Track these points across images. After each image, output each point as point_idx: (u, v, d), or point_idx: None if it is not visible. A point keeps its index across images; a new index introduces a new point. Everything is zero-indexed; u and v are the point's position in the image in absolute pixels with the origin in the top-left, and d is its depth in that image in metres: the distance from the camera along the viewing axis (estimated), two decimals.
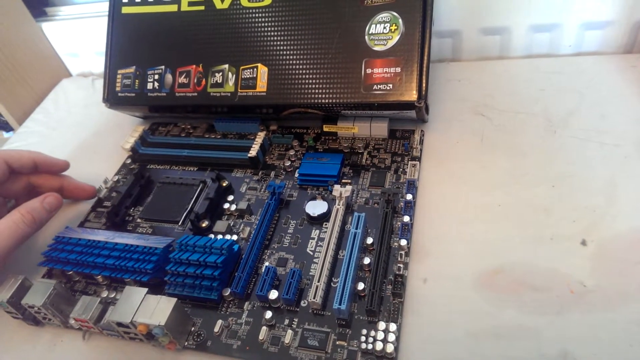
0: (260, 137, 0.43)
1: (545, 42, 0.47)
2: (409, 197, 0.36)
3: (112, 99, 0.47)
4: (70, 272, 0.36)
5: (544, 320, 0.29)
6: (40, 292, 0.32)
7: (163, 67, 0.45)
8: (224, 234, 0.37)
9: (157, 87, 0.45)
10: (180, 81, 0.44)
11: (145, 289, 0.31)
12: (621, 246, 0.32)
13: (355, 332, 0.30)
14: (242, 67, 0.42)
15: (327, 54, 0.40)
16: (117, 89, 0.47)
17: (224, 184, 0.41)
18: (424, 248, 0.34)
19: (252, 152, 0.42)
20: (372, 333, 0.29)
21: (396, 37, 0.38)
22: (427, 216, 0.36)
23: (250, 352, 0.30)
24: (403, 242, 0.33)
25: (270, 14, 0.41)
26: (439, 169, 0.39)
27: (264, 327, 0.31)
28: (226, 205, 0.39)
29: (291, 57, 0.41)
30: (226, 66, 0.43)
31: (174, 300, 0.30)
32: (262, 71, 0.42)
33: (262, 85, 0.42)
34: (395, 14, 0.38)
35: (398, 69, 0.38)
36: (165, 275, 0.33)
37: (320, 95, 0.40)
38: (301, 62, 0.40)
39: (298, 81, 0.40)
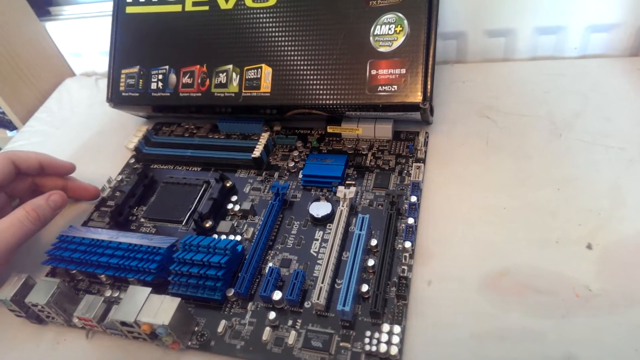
0: (264, 137, 0.43)
1: (551, 44, 0.47)
2: (414, 199, 0.36)
3: (116, 98, 0.47)
4: (74, 271, 0.36)
5: (549, 324, 0.29)
6: (44, 291, 0.32)
7: (167, 67, 0.45)
8: (227, 234, 0.37)
9: (161, 87, 0.45)
10: (184, 81, 0.44)
11: (149, 289, 0.31)
12: (627, 250, 0.32)
13: (359, 333, 0.30)
14: (246, 68, 0.42)
15: (332, 55, 0.40)
16: (121, 88, 0.47)
17: (228, 185, 0.41)
18: (428, 250, 0.34)
19: (256, 153, 0.42)
20: (376, 335, 0.29)
21: (401, 39, 0.38)
22: (431, 218, 0.36)
23: (254, 353, 0.30)
24: (407, 244, 0.33)
25: (274, 15, 0.41)
26: (444, 171, 0.39)
27: (268, 328, 0.31)
28: (230, 206, 0.39)
29: (296, 57, 0.41)
30: (230, 66, 0.43)
31: (178, 300, 0.30)
32: (267, 72, 0.42)
33: (266, 85, 0.41)
34: (400, 15, 0.38)
35: (403, 71, 0.38)
36: (169, 275, 0.33)
37: (324, 97, 0.40)
38: (306, 62, 0.40)
39: (302, 82, 0.40)
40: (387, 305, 0.31)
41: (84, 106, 0.57)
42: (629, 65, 0.44)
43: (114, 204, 0.41)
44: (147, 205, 0.41)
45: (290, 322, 0.31)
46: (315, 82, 0.40)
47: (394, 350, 0.28)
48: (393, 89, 0.38)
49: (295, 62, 0.41)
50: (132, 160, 0.47)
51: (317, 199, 0.38)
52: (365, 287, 0.31)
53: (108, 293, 0.35)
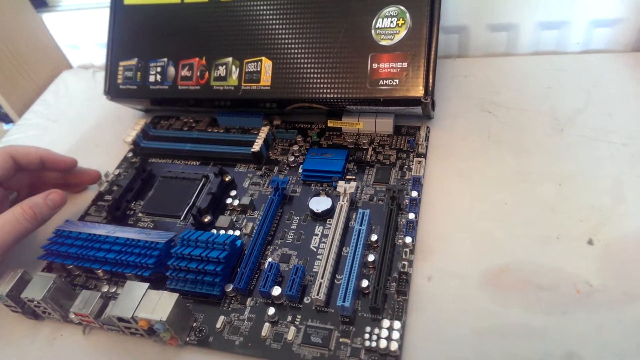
0: (264, 131, 0.42)
1: (553, 39, 0.46)
2: (414, 194, 0.35)
3: (114, 91, 0.46)
4: (71, 266, 0.36)
5: (550, 320, 0.29)
6: (40, 286, 0.32)
7: (165, 59, 0.44)
8: (226, 229, 0.37)
9: (159, 80, 0.44)
10: (183, 74, 0.44)
11: (147, 284, 0.30)
12: (628, 246, 0.31)
13: (359, 329, 0.30)
14: (246, 61, 0.42)
15: (333, 48, 0.39)
16: (119, 81, 0.46)
17: (227, 179, 0.40)
18: (429, 246, 0.34)
19: (256, 147, 0.41)
20: (376, 331, 0.29)
21: (403, 32, 0.37)
22: (432, 213, 0.35)
23: (253, 349, 0.30)
24: (408, 240, 0.33)
25: (275, 7, 0.41)
26: (445, 166, 0.38)
27: (267, 324, 0.31)
28: (229, 200, 0.39)
29: (296, 50, 0.40)
30: (230, 59, 0.42)
31: (176, 295, 0.30)
32: (267, 65, 0.41)
33: (266, 79, 0.41)
34: (402, 8, 0.37)
35: (405, 64, 0.37)
36: (167, 270, 0.33)
37: (325, 90, 0.39)
38: (306, 56, 0.40)
39: (303, 75, 0.40)
40: (387, 301, 0.31)
41: (81, 99, 0.57)
42: (632, 61, 0.43)
43: (112, 198, 0.40)
44: (145, 200, 0.41)
45: (289, 318, 0.31)
46: (315, 75, 0.40)
47: (394, 346, 0.28)
48: (394, 83, 0.37)
49: (295, 55, 0.40)
50: (130, 154, 0.46)
51: (317, 194, 0.38)
52: (365, 283, 0.31)
53: (105, 288, 0.35)
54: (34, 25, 0.58)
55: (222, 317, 0.32)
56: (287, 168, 0.41)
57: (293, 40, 0.40)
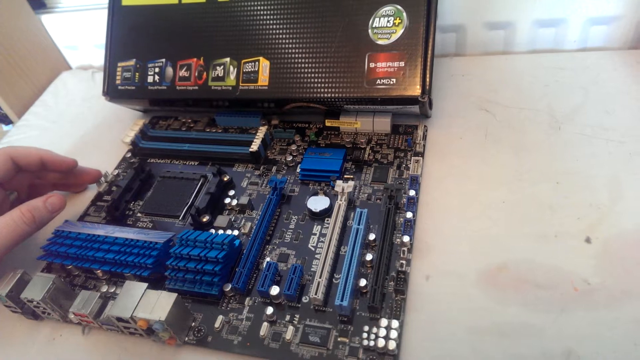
0: (262, 131, 0.42)
1: (550, 37, 0.46)
2: (412, 193, 0.35)
3: (112, 92, 0.47)
4: (70, 267, 0.36)
5: (548, 318, 0.29)
6: (39, 286, 0.32)
7: (164, 60, 0.44)
8: (225, 229, 0.37)
9: (157, 81, 0.45)
10: (181, 74, 0.44)
11: (146, 284, 0.31)
12: (626, 244, 0.31)
13: (357, 328, 0.30)
14: (243, 61, 0.42)
15: (330, 47, 0.39)
16: (117, 82, 0.46)
17: (225, 179, 0.40)
18: (426, 245, 0.34)
19: (254, 147, 0.41)
20: (374, 330, 0.29)
21: (400, 31, 0.37)
22: (430, 212, 0.35)
23: (251, 348, 0.30)
24: (406, 239, 0.33)
25: (272, 7, 0.41)
26: (443, 165, 0.38)
27: (265, 323, 0.31)
28: (227, 200, 0.39)
29: (293, 50, 0.40)
30: (227, 59, 0.42)
31: (175, 295, 0.30)
32: (264, 65, 0.41)
33: (263, 79, 0.41)
34: (399, 7, 0.37)
35: (402, 64, 0.37)
36: (166, 270, 0.33)
37: (322, 90, 0.39)
38: (303, 55, 0.40)
39: (300, 75, 0.40)
40: (385, 300, 0.31)
41: (80, 100, 0.57)
42: (629, 58, 0.43)
43: (111, 199, 0.41)
44: (144, 200, 0.41)
45: (287, 317, 0.31)
46: (313, 75, 0.40)
47: (392, 345, 0.28)
48: (392, 82, 0.38)
49: (293, 55, 0.40)
50: (129, 155, 0.46)
51: (315, 193, 0.38)
52: (363, 282, 0.31)
53: (104, 288, 0.35)
54: (33, 27, 0.58)
55: (220, 317, 0.32)
56: (285, 168, 0.41)
57: (290, 40, 0.40)
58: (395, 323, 0.29)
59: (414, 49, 0.37)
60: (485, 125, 0.41)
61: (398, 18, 0.38)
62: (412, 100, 0.37)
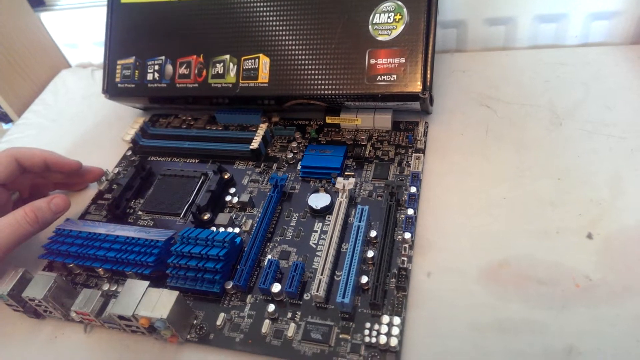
0: (262, 128, 0.42)
1: (551, 32, 0.46)
2: (413, 189, 0.35)
3: (112, 90, 0.46)
4: (71, 265, 0.36)
5: (549, 314, 0.29)
6: (41, 285, 0.32)
7: (163, 57, 0.44)
8: (226, 226, 0.37)
9: (157, 78, 0.44)
10: (180, 72, 0.44)
11: (147, 282, 0.31)
12: (627, 240, 0.31)
13: (358, 325, 0.30)
14: (243, 58, 0.42)
15: (330, 44, 0.39)
16: (117, 79, 0.46)
17: (226, 177, 0.40)
18: (428, 241, 0.34)
19: (254, 144, 0.41)
20: (376, 326, 0.29)
21: (400, 27, 0.37)
22: (431, 209, 0.35)
23: (253, 346, 0.30)
24: (407, 235, 0.33)
25: (272, 3, 0.41)
26: (444, 162, 0.38)
27: (267, 321, 0.31)
28: (228, 198, 0.39)
29: (293, 47, 0.40)
30: (227, 57, 0.42)
31: (176, 293, 0.30)
32: (264, 62, 0.41)
33: (264, 76, 0.41)
34: (399, 3, 0.37)
35: (402, 60, 0.37)
36: (167, 268, 0.33)
37: (323, 87, 0.39)
38: (304, 52, 0.40)
39: (300, 72, 0.40)
40: (387, 297, 0.31)
41: (80, 98, 0.57)
42: (630, 53, 0.43)
43: (111, 197, 0.40)
44: (145, 198, 0.41)
45: (289, 315, 0.31)
46: (313, 72, 0.39)
47: (393, 342, 0.28)
48: (392, 79, 0.37)
49: (293, 52, 0.40)
50: (129, 153, 0.46)
51: (316, 191, 0.38)
52: (364, 279, 0.31)
53: (106, 287, 0.35)
54: (32, 25, 0.58)
55: (222, 315, 0.32)
56: (286, 165, 0.41)
57: (290, 37, 0.40)
58: (397, 320, 0.29)
59: (414, 45, 0.37)
60: (486, 121, 0.41)
61: (398, 14, 0.37)
62: (413, 97, 0.37)
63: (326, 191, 0.38)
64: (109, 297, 0.33)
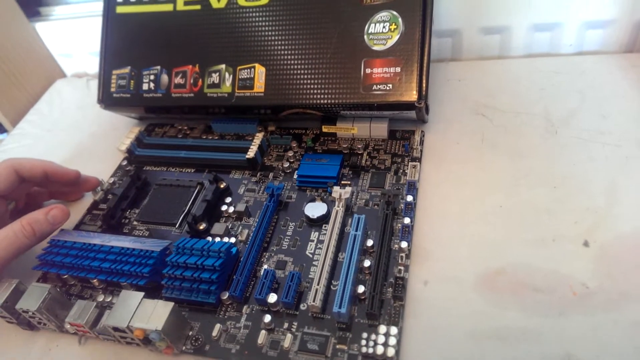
0: (259, 138, 0.42)
1: (546, 41, 0.47)
2: (410, 198, 0.35)
3: (107, 99, 0.46)
4: (66, 276, 0.36)
5: (547, 323, 0.29)
6: (35, 297, 0.32)
7: (159, 67, 0.44)
8: (221, 236, 0.37)
9: (152, 88, 0.44)
10: (176, 82, 0.44)
11: (142, 293, 0.30)
12: (624, 247, 0.31)
13: (355, 335, 0.30)
14: (239, 67, 0.42)
15: (326, 53, 0.39)
16: (112, 89, 0.46)
17: (222, 186, 0.40)
18: (424, 250, 0.34)
19: (250, 154, 0.41)
20: (373, 336, 0.29)
21: (396, 37, 0.38)
22: (427, 218, 0.35)
23: (249, 357, 0.30)
24: (404, 244, 0.33)
25: (267, 13, 0.41)
26: (440, 170, 0.38)
27: (263, 331, 0.31)
28: (224, 207, 0.39)
29: (289, 57, 0.40)
30: (223, 66, 0.42)
31: (171, 304, 0.30)
32: (260, 71, 0.41)
33: (259, 85, 0.41)
34: (394, 13, 0.38)
35: (398, 69, 0.37)
36: (162, 279, 0.33)
37: (319, 96, 0.39)
38: (299, 62, 0.40)
39: (296, 81, 0.40)
40: (384, 307, 0.31)
41: (75, 108, 0.56)
42: (624, 62, 0.44)
43: (106, 207, 0.40)
44: (140, 208, 0.41)
45: (285, 325, 0.31)
46: (309, 81, 0.40)
47: (390, 352, 0.28)
48: (388, 88, 0.38)
49: (288, 62, 0.40)
50: (125, 162, 0.46)
51: (313, 200, 0.38)
52: (361, 288, 0.31)
53: (100, 298, 0.35)
54: (27, 35, 0.58)
55: (218, 325, 0.31)
56: (282, 174, 0.41)
57: (286, 47, 0.40)
58: (394, 329, 0.29)
59: (410, 54, 0.37)
60: (481, 130, 0.41)
61: (394, 24, 0.38)
62: (409, 106, 0.37)
63: (322, 200, 0.37)
64: (104, 308, 0.33)
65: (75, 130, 0.53)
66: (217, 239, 0.36)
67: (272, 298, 0.31)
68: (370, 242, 0.33)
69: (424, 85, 0.37)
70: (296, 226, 0.37)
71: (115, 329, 0.30)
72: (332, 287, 0.32)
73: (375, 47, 0.38)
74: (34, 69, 0.60)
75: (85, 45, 0.59)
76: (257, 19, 0.41)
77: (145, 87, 0.45)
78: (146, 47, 0.45)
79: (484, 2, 0.45)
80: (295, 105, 0.40)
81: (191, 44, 0.43)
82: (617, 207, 0.33)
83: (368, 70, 0.38)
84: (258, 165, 0.42)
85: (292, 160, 0.42)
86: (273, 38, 0.41)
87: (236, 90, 0.42)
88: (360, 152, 0.41)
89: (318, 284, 0.31)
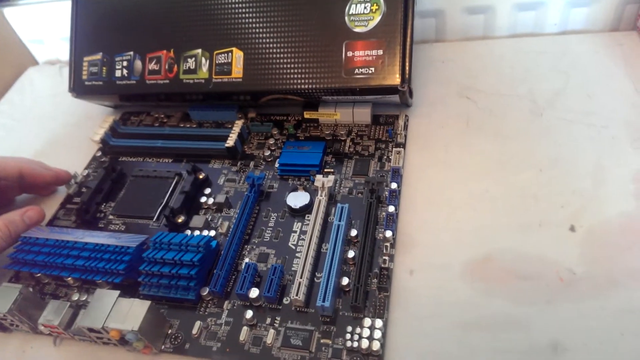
0: (238, 125, 0.41)
1: (530, 20, 0.45)
2: (394, 185, 0.34)
3: (79, 88, 0.44)
4: (39, 275, 0.35)
5: (534, 310, 0.28)
6: (6, 298, 0.30)
7: (132, 53, 0.42)
8: (201, 229, 0.36)
9: (126, 75, 0.43)
10: (150, 68, 0.42)
11: (117, 292, 0.29)
12: (610, 231, 0.31)
13: (340, 329, 0.29)
14: (216, 52, 0.40)
15: (306, 36, 0.38)
16: (84, 77, 0.44)
17: (201, 177, 0.39)
18: (410, 238, 0.33)
19: (230, 142, 0.40)
20: (358, 330, 0.28)
21: (377, 18, 0.36)
22: (412, 205, 0.35)
23: (231, 354, 0.29)
24: (388, 234, 0.32)
25: None
26: (424, 156, 0.38)
27: (245, 327, 0.30)
28: (203, 199, 0.38)
29: (268, 40, 0.39)
30: (199, 51, 0.40)
31: (148, 303, 0.28)
32: (238, 56, 0.39)
33: (237, 70, 0.39)
34: None
35: (380, 52, 0.36)
36: (139, 276, 0.32)
37: (299, 81, 0.38)
38: (278, 45, 0.38)
39: (276, 66, 0.38)
40: (369, 298, 0.30)
41: (48, 96, 0.54)
42: (609, 41, 0.43)
43: (80, 201, 0.39)
44: (116, 201, 0.39)
45: (268, 320, 0.30)
46: (289, 65, 0.38)
47: (376, 346, 0.27)
48: (370, 72, 0.36)
49: (267, 45, 0.39)
50: (99, 153, 0.44)
51: (295, 189, 0.37)
52: (345, 280, 0.30)
53: (75, 297, 0.33)
54: None
55: (198, 323, 0.30)
56: (264, 163, 0.40)
57: (264, 30, 0.39)
58: (379, 322, 0.28)
59: (392, 36, 0.36)
60: (466, 113, 0.40)
61: (375, 4, 0.36)
62: (392, 90, 0.36)
63: (305, 189, 0.36)
64: (79, 308, 0.32)
65: (48, 120, 0.51)
66: (197, 232, 0.35)
67: (254, 293, 0.30)
68: (354, 232, 0.32)
69: (407, 68, 0.36)
70: (278, 217, 0.36)
71: (91, 330, 0.28)
72: (315, 279, 0.31)
73: (357, 29, 0.37)
74: (4, 56, 0.57)
75: (57, 31, 0.57)
76: (233, 0, 0.39)
77: (118, 74, 0.43)
78: (118, 32, 0.43)
79: None
80: (275, 91, 0.39)
81: (165, 28, 0.41)
82: (603, 189, 0.33)
83: (350, 54, 0.37)
84: (238, 154, 0.41)
85: (273, 149, 0.40)
86: (251, 20, 0.39)
87: (213, 76, 0.40)
88: (343, 139, 0.40)
89: (301, 277, 0.30)
